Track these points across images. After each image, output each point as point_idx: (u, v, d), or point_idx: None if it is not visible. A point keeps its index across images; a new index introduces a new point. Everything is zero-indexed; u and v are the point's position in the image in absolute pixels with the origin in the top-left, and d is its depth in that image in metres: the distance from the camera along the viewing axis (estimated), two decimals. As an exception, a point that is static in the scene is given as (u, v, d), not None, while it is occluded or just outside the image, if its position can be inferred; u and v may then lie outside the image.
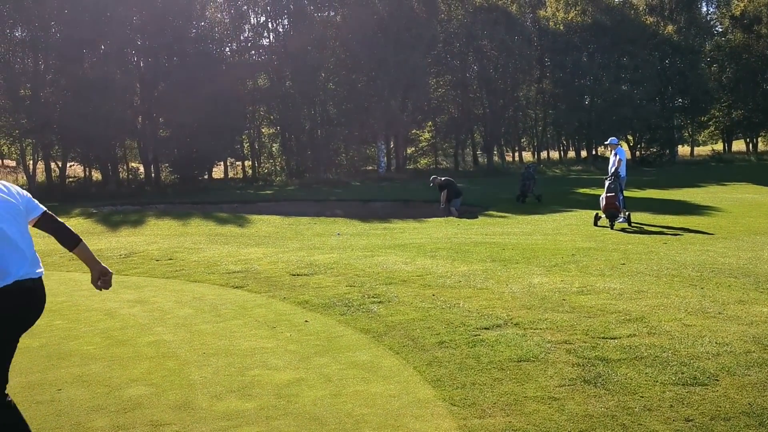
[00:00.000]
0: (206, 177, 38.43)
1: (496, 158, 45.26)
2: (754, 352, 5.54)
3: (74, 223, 18.97)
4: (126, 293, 9.16)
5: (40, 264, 3.96)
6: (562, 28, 44.27)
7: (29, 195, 4.07)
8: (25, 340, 4.80)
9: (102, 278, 4.23)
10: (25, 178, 34.41)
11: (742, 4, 50.05)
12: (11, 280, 3.71)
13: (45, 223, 4.07)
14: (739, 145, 57.39)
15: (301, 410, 4.78)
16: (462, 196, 21.09)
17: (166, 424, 4.60)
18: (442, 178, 21.48)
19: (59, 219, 4.16)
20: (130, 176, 37.81)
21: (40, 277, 3.90)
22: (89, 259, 4.18)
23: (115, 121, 32.72)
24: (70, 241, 4.11)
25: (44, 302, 3.94)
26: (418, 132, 45.43)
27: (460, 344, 6.03)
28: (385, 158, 41.01)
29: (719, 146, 57.10)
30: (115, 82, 32.90)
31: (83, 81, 31.51)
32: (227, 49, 40.56)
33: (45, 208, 4.09)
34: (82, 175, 37.22)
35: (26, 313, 3.84)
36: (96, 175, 37.21)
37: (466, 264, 10.14)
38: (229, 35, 40.08)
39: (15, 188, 4.01)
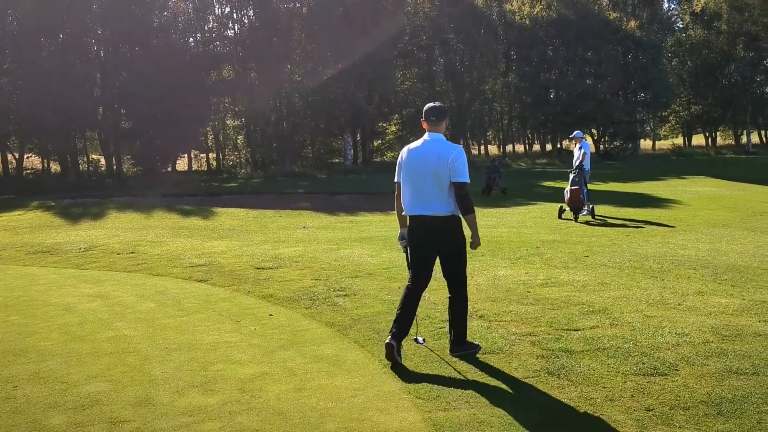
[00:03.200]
0: (170, 169, 37.92)
1: (462, 151, 45.47)
2: (712, 342, 5.64)
3: (31, 217, 18.55)
4: (85, 287, 8.98)
5: None
6: (527, 22, 44.60)
7: None
8: (-22, 337, 4.65)
9: None
10: (-20, 169, 33.58)
11: (702, 1, 50.96)
12: None
13: None
14: (698, 140, 58.56)
15: (264, 405, 4.73)
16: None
17: (125, 421, 4.51)
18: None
19: None
20: (91, 168, 37.10)
21: None
22: None
23: (75, 112, 32.07)
24: None
25: None
26: (384, 124, 45.40)
27: (425, 337, 6.02)
28: (352, 151, 40.88)
29: (679, 140, 58.20)
30: (75, 71, 32.24)
31: (41, 70, 30.78)
32: (191, 39, 40.02)
33: None
34: (40, 167, 36.41)
35: None
36: (55, 167, 36.44)
37: (432, 257, 10.15)
38: (192, 25, 39.50)
39: None
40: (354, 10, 37.26)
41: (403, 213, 5.62)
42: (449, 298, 5.62)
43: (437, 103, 5.72)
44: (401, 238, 5.72)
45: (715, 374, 4.97)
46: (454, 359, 5.46)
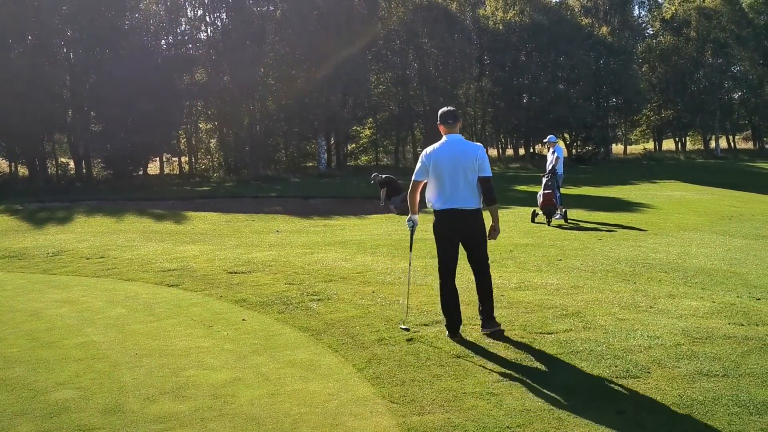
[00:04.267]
0: (141, 173, 37.45)
1: (435, 155, 45.57)
2: (683, 344, 5.69)
3: None
4: (53, 293, 8.82)
5: None
6: (501, 27, 44.87)
7: None
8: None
9: None
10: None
11: (672, 8, 51.74)
12: None
13: None
14: (668, 144, 59.38)
15: (237, 411, 4.67)
16: (403, 193, 21.12)
17: (95, 429, 4.43)
18: (383, 176, 21.47)
19: None
20: (60, 172, 36.47)
21: None
22: None
23: (44, 115, 31.51)
24: None
25: None
26: (358, 128, 45.34)
27: (399, 341, 6.01)
28: (326, 154, 40.75)
29: (650, 145, 58.95)
30: (43, 74, 31.66)
31: (8, 72, 30.20)
32: (163, 42, 39.54)
33: None
34: (7, 171, 35.75)
35: None
36: (22, 171, 35.80)
37: (406, 260, 10.14)
38: (164, 28, 39.08)
39: None
40: (328, 14, 37.16)
41: (433, 208, 6.16)
42: (477, 282, 6.20)
43: (451, 108, 6.35)
44: (410, 220, 6.47)
45: (687, 376, 5.01)
46: (429, 362, 5.45)
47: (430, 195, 6.17)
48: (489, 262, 6.23)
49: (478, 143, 6.25)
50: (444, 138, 6.17)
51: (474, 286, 6.27)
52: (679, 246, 12.20)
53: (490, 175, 6.12)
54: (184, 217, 19.19)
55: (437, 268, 6.27)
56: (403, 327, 6.36)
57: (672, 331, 6.05)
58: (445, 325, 6.16)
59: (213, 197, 26.55)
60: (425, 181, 6.18)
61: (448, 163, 6.00)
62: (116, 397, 4.96)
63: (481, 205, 6.14)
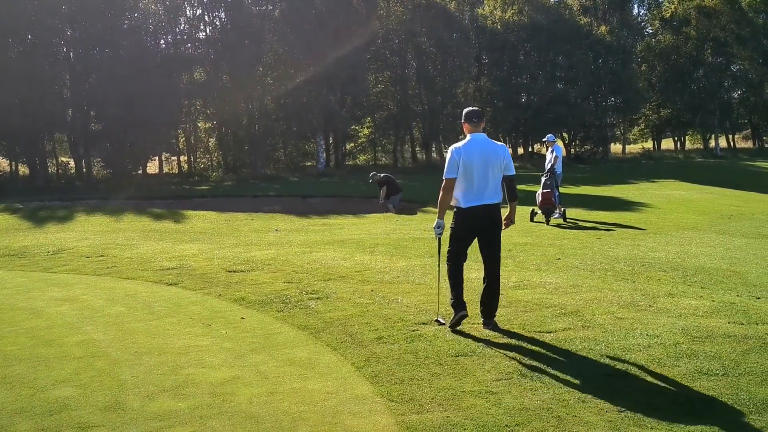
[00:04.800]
0: (140, 172, 37.43)
1: (434, 154, 45.56)
2: (683, 343, 5.69)
3: (-1, 219, 18.21)
4: (53, 291, 8.82)
5: None
6: (499, 26, 44.85)
7: None
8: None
9: None
10: (-55, 172, 32.83)
11: (672, 7, 51.74)
12: None
13: None
14: (667, 144, 59.41)
15: (236, 409, 4.67)
16: (401, 193, 21.14)
17: (94, 426, 4.43)
18: (381, 175, 21.48)
19: None
20: (60, 171, 36.45)
21: None
22: None
23: (44, 114, 31.51)
24: None
25: None
26: (357, 128, 45.31)
27: (398, 339, 6.01)
28: (324, 154, 40.71)
29: (649, 144, 58.97)
30: (44, 73, 31.66)
31: (9, 72, 30.19)
32: (162, 41, 39.51)
33: None
34: (8, 170, 35.73)
35: None
36: (23, 170, 35.77)
37: (405, 259, 10.16)
38: (163, 27, 39.03)
39: None
40: (326, 14, 37.15)
41: (459, 206, 6.26)
42: (486, 279, 6.32)
43: (475, 107, 6.54)
44: (438, 227, 6.45)
45: (686, 375, 5.02)
46: (428, 361, 5.45)
47: (455, 193, 6.26)
48: (500, 263, 6.38)
49: (501, 143, 6.45)
50: (468, 137, 6.31)
51: (475, 285, 6.30)
52: (678, 245, 12.21)
53: (515, 173, 6.37)
54: (183, 216, 19.19)
55: (447, 258, 6.43)
56: (440, 321, 6.44)
57: (671, 330, 6.06)
58: (452, 305, 6.27)
59: (212, 196, 26.53)
60: (456, 178, 6.23)
61: (478, 162, 6.16)
62: (116, 395, 4.97)
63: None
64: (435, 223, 6.51)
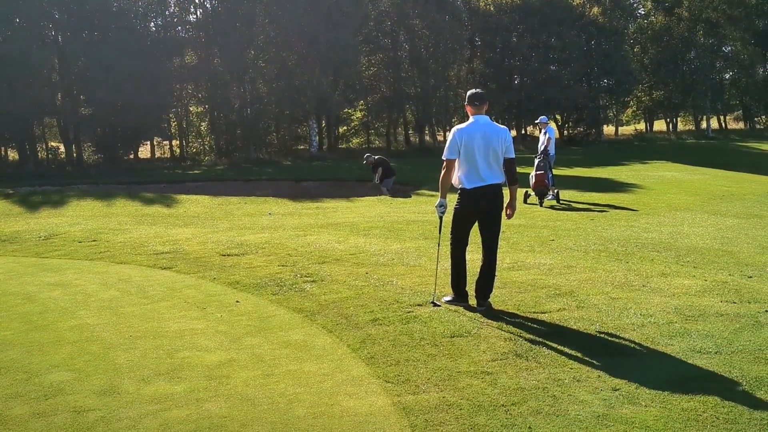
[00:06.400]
0: (132, 156, 37.25)
1: (427, 137, 45.45)
2: (676, 322, 5.73)
3: (-10, 205, 18.09)
4: (46, 276, 8.78)
5: None
6: (492, 8, 44.58)
7: None
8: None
9: None
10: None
11: (664, -13, 51.51)
12: None
13: None
14: (660, 125, 59.41)
15: (232, 391, 4.68)
16: (395, 176, 21.11)
17: (90, 410, 4.42)
18: (375, 157, 21.44)
19: None
20: (50, 156, 36.22)
21: None
22: None
23: (32, 98, 31.25)
24: None
25: None
26: (349, 111, 45.12)
27: (393, 321, 6.02)
28: (317, 137, 40.55)
29: (642, 126, 58.98)
30: (32, 57, 31.34)
31: (-4, 56, 29.94)
32: (152, 24, 39.16)
33: None
34: (-2, 155, 35.53)
35: None
36: (12, 155, 35.55)
37: (399, 242, 10.16)
38: (153, 10, 38.67)
39: None
40: (318, -5, 36.87)
41: (462, 186, 6.32)
42: (484, 260, 6.39)
43: (478, 90, 6.56)
44: (441, 205, 6.52)
45: (680, 354, 5.05)
46: (423, 342, 5.46)
47: (459, 174, 6.32)
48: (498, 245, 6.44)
49: (503, 126, 6.46)
50: (471, 119, 6.35)
51: (470, 266, 6.32)
52: (670, 226, 12.25)
53: (515, 156, 6.39)
54: (175, 200, 19.12)
55: (449, 242, 6.52)
56: (436, 303, 6.47)
57: (665, 310, 6.09)
58: (452, 285, 6.49)
59: (204, 180, 26.43)
60: (457, 159, 6.29)
61: (480, 143, 6.21)
62: (111, 379, 4.96)
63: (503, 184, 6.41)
64: (437, 202, 6.56)
